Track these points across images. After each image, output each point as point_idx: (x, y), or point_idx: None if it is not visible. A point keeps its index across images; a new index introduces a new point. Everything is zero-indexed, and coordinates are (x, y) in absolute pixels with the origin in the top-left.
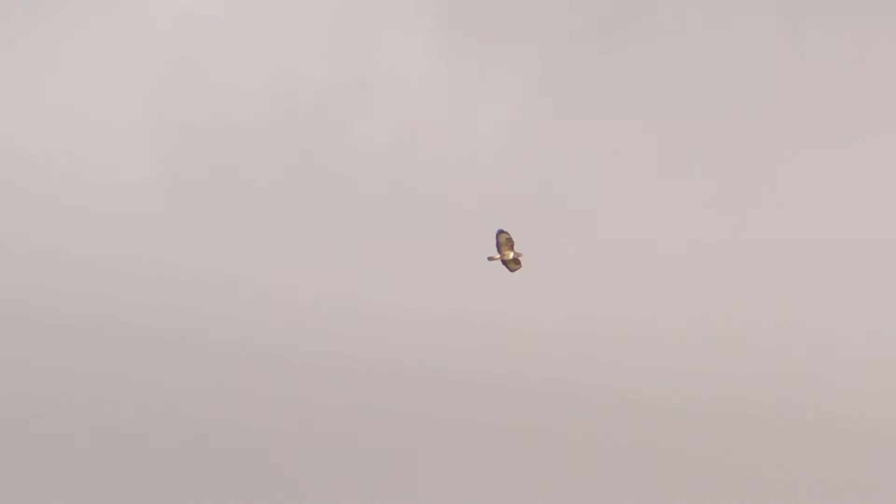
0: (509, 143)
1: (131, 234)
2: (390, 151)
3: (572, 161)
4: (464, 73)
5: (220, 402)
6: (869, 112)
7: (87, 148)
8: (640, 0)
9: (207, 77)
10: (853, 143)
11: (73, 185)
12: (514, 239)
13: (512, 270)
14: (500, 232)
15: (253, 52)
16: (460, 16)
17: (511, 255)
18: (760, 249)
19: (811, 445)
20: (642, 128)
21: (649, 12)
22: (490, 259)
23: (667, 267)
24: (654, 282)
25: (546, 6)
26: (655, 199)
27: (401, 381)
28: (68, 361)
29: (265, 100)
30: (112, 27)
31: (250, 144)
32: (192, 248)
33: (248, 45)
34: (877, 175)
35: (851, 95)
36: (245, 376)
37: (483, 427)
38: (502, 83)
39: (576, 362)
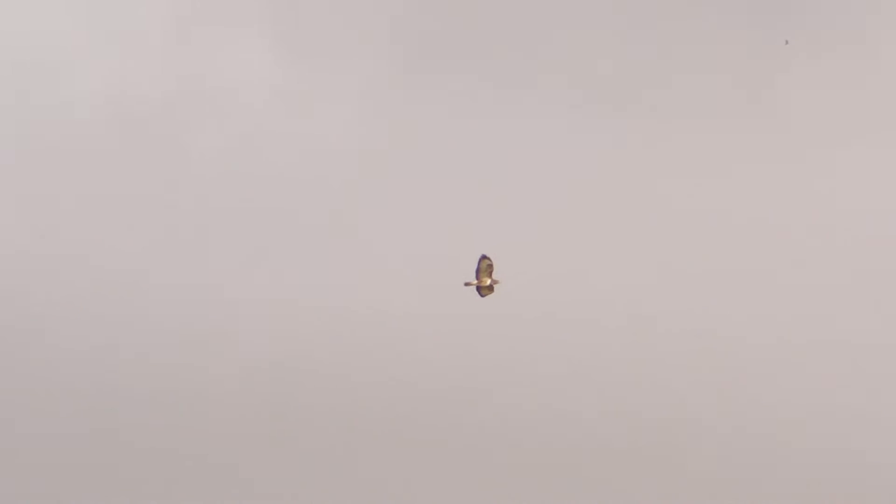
0: (348, 150)
1: None
2: (228, 161)
3: (416, 165)
4: (301, 82)
5: (76, 399)
6: (735, 117)
7: None
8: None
9: (44, 80)
10: (721, 145)
11: None
12: (493, 265)
13: (483, 296)
14: (483, 258)
15: (89, 59)
16: (297, 24)
17: (488, 281)
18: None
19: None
20: (488, 131)
21: (498, 14)
22: (466, 284)
23: (528, 273)
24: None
25: (386, 11)
26: (506, 202)
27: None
28: None
29: (103, 106)
30: None
31: (87, 152)
32: (26, 255)
33: (83, 51)
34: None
35: (719, 101)
36: (86, 372)
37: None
38: (340, 90)
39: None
